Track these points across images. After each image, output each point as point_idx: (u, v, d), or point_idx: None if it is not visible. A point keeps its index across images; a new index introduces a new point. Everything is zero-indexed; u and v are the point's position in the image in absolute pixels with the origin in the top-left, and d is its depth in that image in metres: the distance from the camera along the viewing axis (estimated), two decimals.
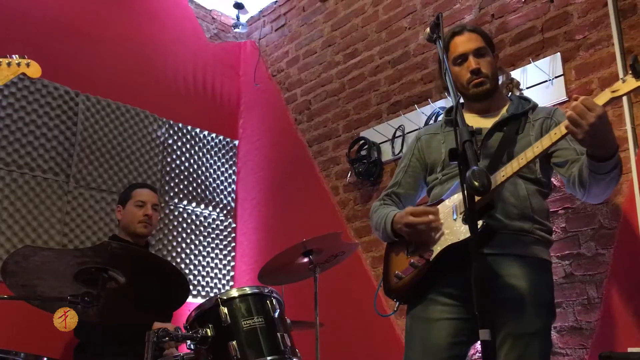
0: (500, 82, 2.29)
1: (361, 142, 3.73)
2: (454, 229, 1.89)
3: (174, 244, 4.25)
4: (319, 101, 4.32)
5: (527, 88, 3.03)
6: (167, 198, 4.28)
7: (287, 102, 4.60)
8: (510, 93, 3.02)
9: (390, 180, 2.36)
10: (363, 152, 3.69)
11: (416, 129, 3.42)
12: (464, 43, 2.15)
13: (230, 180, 4.74)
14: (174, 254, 4.23)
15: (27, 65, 2.22)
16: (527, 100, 2.21)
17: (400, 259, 2.09)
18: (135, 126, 4.23)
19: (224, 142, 4.78)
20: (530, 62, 3.06)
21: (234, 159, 4.81)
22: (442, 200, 2.05)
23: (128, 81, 4.31)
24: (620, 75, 2.70)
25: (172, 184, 4.34)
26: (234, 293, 2.25)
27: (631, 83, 1.66)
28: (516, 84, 2.96)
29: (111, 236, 3.29)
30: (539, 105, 2.24)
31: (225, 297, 2.23)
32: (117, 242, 2.75)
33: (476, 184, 1.31)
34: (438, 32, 1.97)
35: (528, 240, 1.96)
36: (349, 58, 4.17)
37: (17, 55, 2.24)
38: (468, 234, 1.74)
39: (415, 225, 1.96)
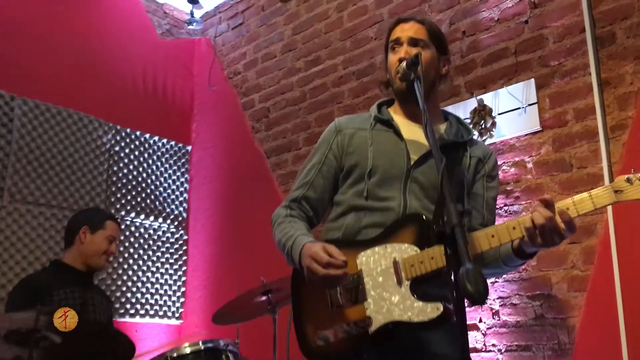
0: (436, 87, 1.90)
1: None
2: (402, 302, 1.59)
3: (120, 260, 3.96)
4: (278, 109, 4.09)
5: (499, 114, 2.89)
6: (112, 210, 3.97)
7: (244, 107, 4.34)
8: (477, 122, 2.87)
9: (297, 180, 1.91)
10: None
11: None
12: (404, 29, 1.85)
13: (182, 189, 4.46)
14: (120, 271, 3.95)
15: None
16: (466, 127, 1.90)
17: (321, 310, 1.71)
18: (78, 132, 3.90)
19: (176, 148, 4.49)
20: (502, 87, 2.92)
21: (186, 166, 4.53)
22: (363, 244, 1.71)
23: (70, 83, 3.96)
24: (598, 114, 2.57)
25: (118, 195, 4.04)
26: (186, 349, 2.05)
27: None
28: (488, 111, 2.82)
29: (53, 261, 2.97)
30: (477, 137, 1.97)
31: (175, 355, 2.02)
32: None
33: (470, 289, 1.12)
34: (416, 71, 1.76)
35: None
36: (310, 65, 3.94)
37: None
38: (423, 316, 1.55)
39: (323, 278, 1.59)
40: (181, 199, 4.43)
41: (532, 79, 2.83)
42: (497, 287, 2.75)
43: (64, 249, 2.91)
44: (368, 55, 3.61)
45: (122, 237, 4.00)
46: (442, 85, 1.96)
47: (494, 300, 2.74)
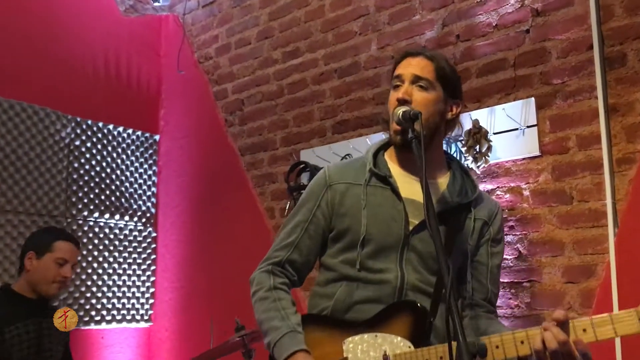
0: (440, 133, 1.70)
1: (302, 166, 3.28)
2: None
3: (84, 264, 3.71)
4: (254, 103, 3.79)
5: (494, 133, 2.67)
6: (74, 211, 3.69)
7: (217, 97, 4.03)
8: (464, 153, 2.63)
9: (279, 237, 1.70)
10: (304, 181, 3.24)
11: None
12: (409, 65, 1.64)
13: (149, 182, 4.17)
14: (84, 276, 3.70)
15: None
16: (472, 181, 1.70)
17: None
18: (33, 128, 3.56)
19: (142, 139, 4.17)
20: (499, 102, 2.69)
21: (154, 157, 4.23)
22: (351, 327, 1.55)
23: (22, 72, 3.59)
24: (604, 143, 2.36)
25: (80, 194, 3.74)
26: None
27: None
28: (484, 134, 2.61)
29: (2, 288, 2.71)
30: (484, 191, 1.83)
31: None
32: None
33: None
34: (413, 130, 1.53)
35: None
36: (288, 57, 3.63)
37: None
38: None
39: None
40: (149, 193, 4.15)
41: (532, 98, 2.60)
42: None
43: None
44: (352, 52, 3.32)
45: (85, 240, 3.73)
46: (447, 134, 1.77)
47: None
